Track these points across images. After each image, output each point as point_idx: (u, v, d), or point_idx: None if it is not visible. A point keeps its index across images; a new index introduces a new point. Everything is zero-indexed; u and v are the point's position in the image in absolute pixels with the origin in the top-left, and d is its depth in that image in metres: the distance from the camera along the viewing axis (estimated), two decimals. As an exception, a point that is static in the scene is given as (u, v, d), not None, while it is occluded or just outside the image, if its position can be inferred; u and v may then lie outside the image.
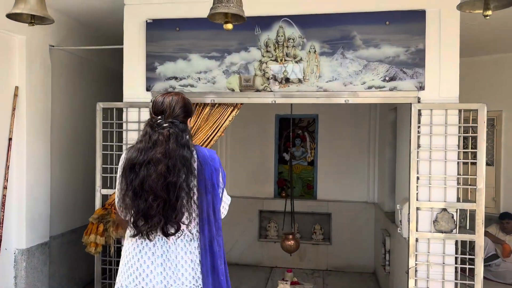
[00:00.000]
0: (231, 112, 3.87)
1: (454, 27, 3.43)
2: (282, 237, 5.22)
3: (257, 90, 3.73)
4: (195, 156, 2.07)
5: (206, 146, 3.90)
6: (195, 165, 2.05)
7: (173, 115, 2.08)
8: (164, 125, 2.05)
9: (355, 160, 6.28)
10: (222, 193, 2.17)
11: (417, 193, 3.50)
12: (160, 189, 1.94)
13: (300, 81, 3.67)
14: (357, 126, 6.26)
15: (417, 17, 3.46)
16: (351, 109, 6.23)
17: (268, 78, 3.71)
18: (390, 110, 5.28)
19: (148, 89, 3.91)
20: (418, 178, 3.50)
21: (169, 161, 1.95)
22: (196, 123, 3.92)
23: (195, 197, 2.03)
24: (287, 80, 3.68)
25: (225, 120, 3.88)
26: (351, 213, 6.24)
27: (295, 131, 6.67)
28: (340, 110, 6.27)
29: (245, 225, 6.49)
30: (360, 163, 6.26)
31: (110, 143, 4.02)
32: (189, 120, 2.18)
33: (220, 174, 2.14)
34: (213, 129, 3.88)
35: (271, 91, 3.71)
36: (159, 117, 2.08)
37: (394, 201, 5.30)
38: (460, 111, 3.45)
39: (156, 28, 3.87)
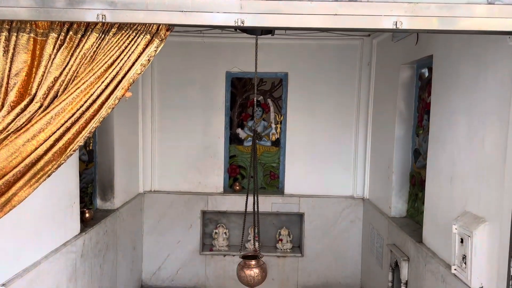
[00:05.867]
0: (147, 45, 1.79)
1: None
2: (240, 264, 3.32)
3: (203, -5, 1.68)
4: None
5: (91, 121, 1.81)
6: None
7: None
8: None
9: (337, 138, 4.48)
10: None
11: (531, 218, 1.73)
12: None
13: (298, -24, 1.67)
14: (342, 90, 4.42)
15: None
16: (335, 64, 4.38)
17: (227, -32, 1.67)
18: (403, 64, 3.48)
19: None
20: (535, 187, 1.72)
21: None
22: (68, 68, 1.80)
23: None
24: (270, -27, 1.67)
25: (133, 64, 1.80)
26: (330, 213, 4.50)
27: (251, 97, 4.71)
28: (318, 66, 4.39)
29: (181, 233, 4.51)
30: (345, 143, 4.48)
31: None
32: None
33: None
34: (106, 83, 1.79)
35: (234, -4, 1.68)
36: None
37: (406, 202, 3.60)
38: None
39: None
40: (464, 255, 2.18)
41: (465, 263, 2.17)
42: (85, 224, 3.10)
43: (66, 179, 2.72)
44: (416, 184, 3.44)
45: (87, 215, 3.15)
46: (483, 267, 2.07)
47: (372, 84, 4.25)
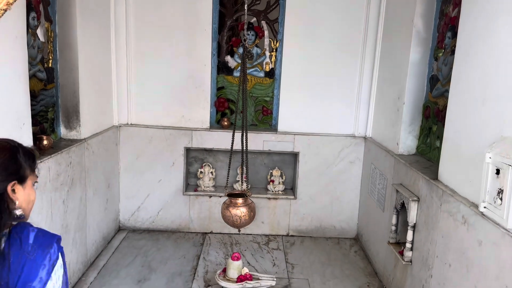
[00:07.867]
0: None
1: None
2: (225, 202, 2.91)
3: None
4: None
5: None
6: None
7: None
8: None
9: (340, 68, 3.96)
10: None
11: None
12: None
13: None
14: (348, 11, 3.84)
15: None
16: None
17: None
18: (425, -27, 2.89)
19: None
20: None
21: None
22: None
23: None
24: None
25: None
26: (328, 153, 4.08)
27: (242, 18, 4.09)
28: (321, -16, 3.78)
29: (163, 171, 4.08)
30: (348, 74, 3.97)
31: None
32: (12, 186, 1.09)
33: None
34: None
35: None
36: None
37: (416, 138, 3.17)
38: None
39: None
40: (500, 189, 1.76)
41: (501, 199, 1.75)
42: (43, 152, 2.63)
43: (11, 95, 2.21)
44: (430, 116, 2.98)
45: (45, 142, 2.67)
46: (524, 204, 1.66)
47: (384, 2, 3.66)
